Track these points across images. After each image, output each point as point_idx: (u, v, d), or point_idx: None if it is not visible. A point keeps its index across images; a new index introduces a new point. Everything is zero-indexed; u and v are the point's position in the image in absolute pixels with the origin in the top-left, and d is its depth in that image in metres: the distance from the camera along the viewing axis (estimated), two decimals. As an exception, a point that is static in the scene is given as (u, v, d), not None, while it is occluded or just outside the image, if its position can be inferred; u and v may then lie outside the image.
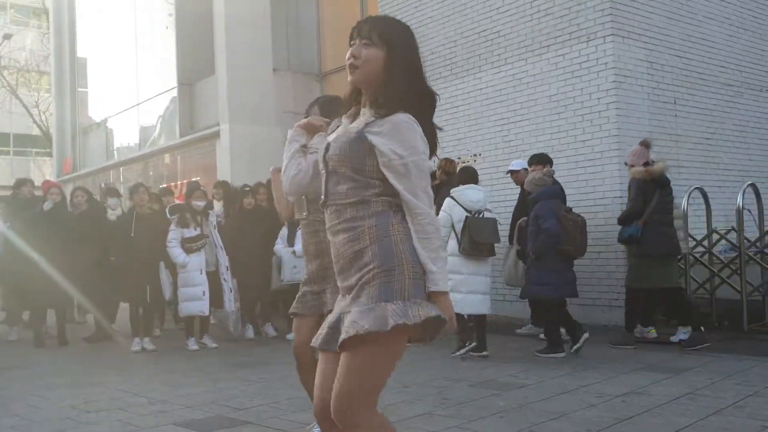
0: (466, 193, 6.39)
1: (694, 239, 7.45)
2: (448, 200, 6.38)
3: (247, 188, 8.54)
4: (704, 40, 8.64)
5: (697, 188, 7.60)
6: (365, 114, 2.29)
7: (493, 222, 6.40)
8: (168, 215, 7.68)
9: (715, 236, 7.55)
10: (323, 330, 2.30)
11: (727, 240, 7.45)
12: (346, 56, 2.29)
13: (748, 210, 7.46)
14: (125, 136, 18.16)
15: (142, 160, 17.03)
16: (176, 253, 7.49)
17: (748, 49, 9.22)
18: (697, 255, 7.41)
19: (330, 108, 3.65)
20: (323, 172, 2.34)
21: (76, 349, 7.90)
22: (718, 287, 7.30)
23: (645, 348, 6.46)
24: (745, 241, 7.12)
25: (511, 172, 7.59)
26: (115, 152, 18.73)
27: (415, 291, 2.15)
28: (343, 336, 2.13)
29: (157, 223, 7.68)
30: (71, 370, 6.51)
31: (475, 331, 6.38)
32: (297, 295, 3.56)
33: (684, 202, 7.29)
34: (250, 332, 8.15)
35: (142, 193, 7.76)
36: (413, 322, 2.10)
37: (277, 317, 8.53)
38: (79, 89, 20.63)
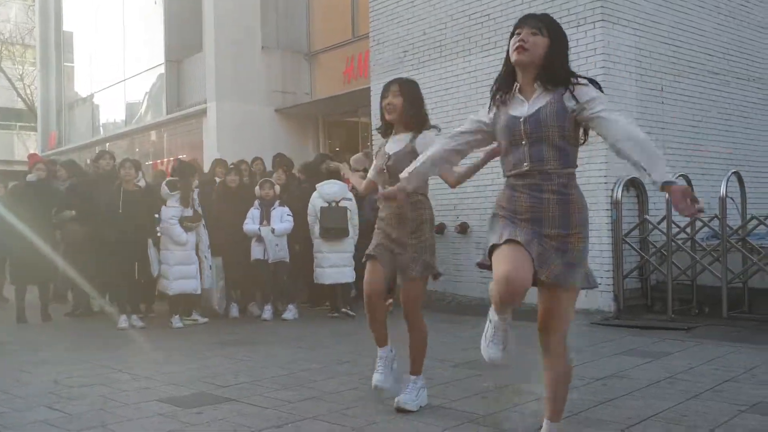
0: (324, 187, 7.92)
1: (677, 225, 7.51)
2: (314, 193, 7.95)
3: (232, 165, 8.53)
4: (693, 28, 8.66)
5: (681, 175, 7.65)
6: (537, 91, 2.84)
7: (343, 210, 7.79)
8: (168, 191, 7.55)
9: (699, 223, 7.62)
10: (512, 231, 2.81)
11: (710, 227, 7.52)
12: (515, 41, 2.81)
13: (731, 198, 7.53)
14: (111, 112, 18.01)
15: (128, 136, 16.92)
16: (178, 231, 7.45)
17: (735, 38, 9.25)
18: (680, 241, 7.48)
19: (410, 90, 4.01)
20: (524, 142, 2.84)
21: (60, 325, 7.89)
22: (699, 274, 7.38)
23: (627, 333, 6.54)
24: (728, 228, 7.19)
25: None
26: (101, 128, 18.59)
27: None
28: (560, 282, 2.80)
29: (144, 200, 7.62)
30: (55, 345, 6.51)
31: (340, 296, 7.98)
32: (373, 244, 4.02)
33: (668, 188, 7.33)
34: (234, 311, 8.16)
35: (128, 168, 7.64)
36: (593, 287, 2.95)
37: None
38: (65, 63, 20.41)
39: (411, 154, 3.88)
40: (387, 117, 3.99)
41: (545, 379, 3.02)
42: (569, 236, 2.82)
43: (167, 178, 7.82)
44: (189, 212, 7.57)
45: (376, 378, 4.10)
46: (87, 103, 19.27)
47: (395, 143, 4.02)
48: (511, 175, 2.93)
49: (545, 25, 2.84)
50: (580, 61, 7.62)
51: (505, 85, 2.95)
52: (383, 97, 4.00)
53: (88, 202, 8.03)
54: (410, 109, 3.96)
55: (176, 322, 7.46)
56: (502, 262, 2.75)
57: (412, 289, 3.96)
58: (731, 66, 9.17)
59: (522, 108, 2.88)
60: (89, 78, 19.01)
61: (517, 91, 2.91)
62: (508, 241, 2.77)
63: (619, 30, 7.74)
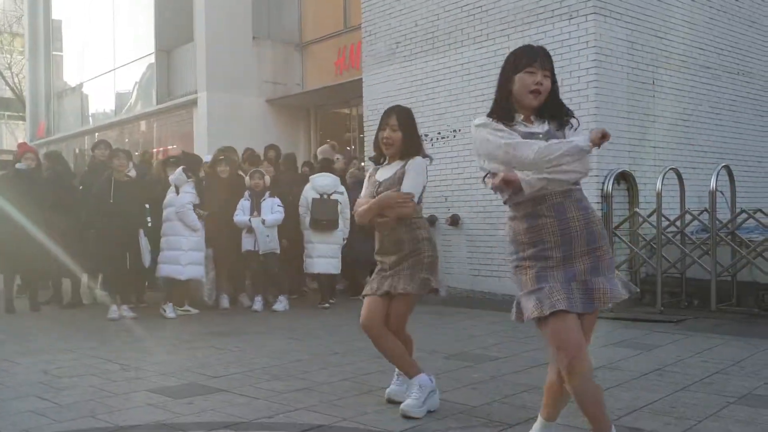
0: (317, 179, 8.06)
1: (667, 219, 7.54)
2: (307, 185, 8.06)
3: (222, 156, 8.50)
4: (685, 22, 8.67)
5: (672, 169, 7.69)
6: (540, 123, 2.87)
7: (333, 203, 7.94)
8: (185, 177, 7.61)
9: (688, 217, 7.66)
10: (561, 295, 2.71)
11: (700, 221, 7.56)
12: (532, 83, 2.82)
13: (721, 192, 7.57)
14: (101, 102, 17.90)
15: (118, 126, 16.82)
16: (194, 216, 7.56)
17: (726, 32, 9.27)
18: (670, 235, 7.52)
19: (407, 122, 3.95)
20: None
21: (49, 315, 7.85)
22: (689, 267, 7.42)
23: (616, 325, 6.56)
24: (717, 222, 7.23)
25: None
26: (90, 118, 18.47)
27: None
28: (604, 303, 2.75)
29: (135, 190, 7.59)
30: (44, 335, 6.48)
31: (328, 287, 8.19)
32: (370, 279, 3.96)
33: (659, 182, 7.37)
34: (225, 301, 8.14)
35: (121, 159, 7.63)
36: (635, 291, 2.92)
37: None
38: (54, 52, 20.25)
39: (400, 179, 3.87)
40: (385, 152, 3.96)
41: (551, 385, 2.91)
42: (597, 249, 2.79)
43: (182, 166, 7.82)
44: (197, 201, 7.67)
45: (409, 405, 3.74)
46: (76, 92, 19.14)
47: (387, 170, 3.99)
48: (528, 201, 2.79)
49: (551, 66, 2.88)
50: (572, 54, 7.62)
51: (506, 118, 2.87)
52: (381, 128, 3.95)
53: (68, 191, 8.00)
54: (407, 142, 3.94)
55: (169, 311, 7.44)
56: (559, 346, 2.71)
57: (400, 304, 3.86)
58: (722, 60, 9.21)
59: (533, 127, 2.87)
60: (78, 67, 18.87)
61: (519, 119, 2.90)
62: (554, 314, 2.69)
63: (611, 23, 7.75)
